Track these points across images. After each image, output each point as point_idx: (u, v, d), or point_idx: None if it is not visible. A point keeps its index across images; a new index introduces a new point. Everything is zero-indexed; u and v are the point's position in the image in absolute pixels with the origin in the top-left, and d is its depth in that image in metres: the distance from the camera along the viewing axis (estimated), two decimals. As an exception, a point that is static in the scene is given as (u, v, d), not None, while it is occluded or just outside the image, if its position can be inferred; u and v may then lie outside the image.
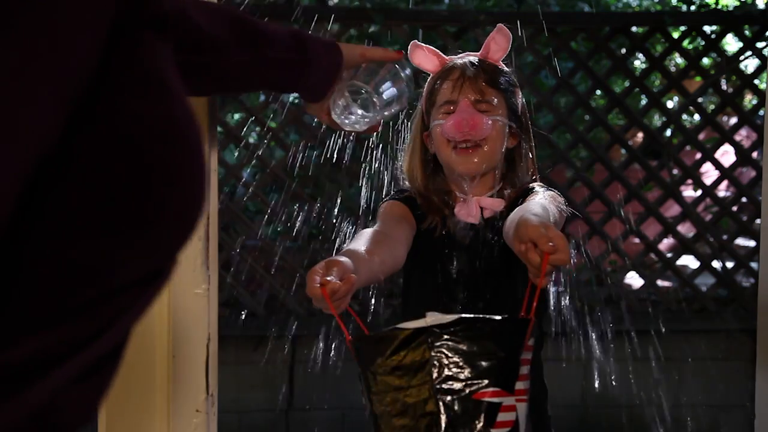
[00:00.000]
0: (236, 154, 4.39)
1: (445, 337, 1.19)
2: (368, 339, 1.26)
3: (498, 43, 1.69)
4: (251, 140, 4.18)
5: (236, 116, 4.58)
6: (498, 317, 1.24)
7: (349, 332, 1.28)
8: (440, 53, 1.73)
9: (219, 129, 3.63)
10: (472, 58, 1.71)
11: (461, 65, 1.68)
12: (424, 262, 1.70)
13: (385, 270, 1.50)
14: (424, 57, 1.72)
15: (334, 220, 3.89)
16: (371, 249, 1.46)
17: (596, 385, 3.92)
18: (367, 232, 1.56)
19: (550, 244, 1.18)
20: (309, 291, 1.27)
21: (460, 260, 1.69)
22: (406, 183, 1.79)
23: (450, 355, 1.18)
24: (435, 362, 1.18)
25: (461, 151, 1.65)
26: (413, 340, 1.19)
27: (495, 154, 1.67)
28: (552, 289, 4.38)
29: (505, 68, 1.72)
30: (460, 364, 1.18)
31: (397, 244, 1.58)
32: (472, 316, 1.23)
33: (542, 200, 1.54)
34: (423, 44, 1.72)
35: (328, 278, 1.26)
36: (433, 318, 1.21)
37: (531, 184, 1.72)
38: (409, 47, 1.72)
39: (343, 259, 1.34)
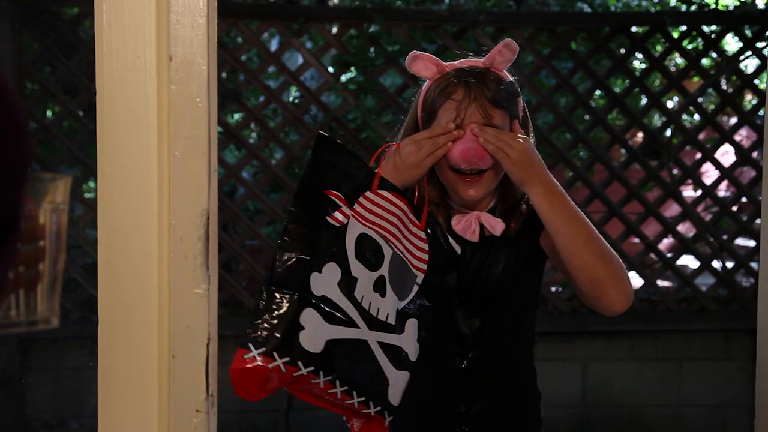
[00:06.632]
0: (236, 154, 4.39)
1: None
2: None
3: (503, 56, 1.64)
4: (251, 140, 4.19)
5: (236, 116, 4.58)
6: None
7: None
8: (439, 60, 1.67)
9: (219, 129, 3.63)
10: (473, 66, 1.65)
11: (464, 83, 1.62)
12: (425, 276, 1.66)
13: None
14: (423, 66, 1.66)
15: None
16: None
17: (596, 385, 3.92)
18: None
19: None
20: None
21: (460, 275, 1.68)
22: None
23: None
24: None
25: (464, 178, 1.63)
26: None
27: (499, 176, 1.66)
28: (553, 289, 4.37)
29: (509, 77, 1.67)
30: None
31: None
32: None
33: None
34: (422, 53, 1.66)
35: None
36: None
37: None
38: (407, 57, 1.67)
39: None
